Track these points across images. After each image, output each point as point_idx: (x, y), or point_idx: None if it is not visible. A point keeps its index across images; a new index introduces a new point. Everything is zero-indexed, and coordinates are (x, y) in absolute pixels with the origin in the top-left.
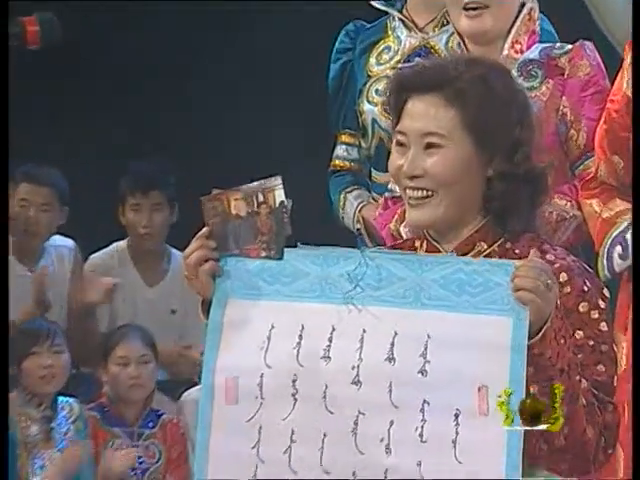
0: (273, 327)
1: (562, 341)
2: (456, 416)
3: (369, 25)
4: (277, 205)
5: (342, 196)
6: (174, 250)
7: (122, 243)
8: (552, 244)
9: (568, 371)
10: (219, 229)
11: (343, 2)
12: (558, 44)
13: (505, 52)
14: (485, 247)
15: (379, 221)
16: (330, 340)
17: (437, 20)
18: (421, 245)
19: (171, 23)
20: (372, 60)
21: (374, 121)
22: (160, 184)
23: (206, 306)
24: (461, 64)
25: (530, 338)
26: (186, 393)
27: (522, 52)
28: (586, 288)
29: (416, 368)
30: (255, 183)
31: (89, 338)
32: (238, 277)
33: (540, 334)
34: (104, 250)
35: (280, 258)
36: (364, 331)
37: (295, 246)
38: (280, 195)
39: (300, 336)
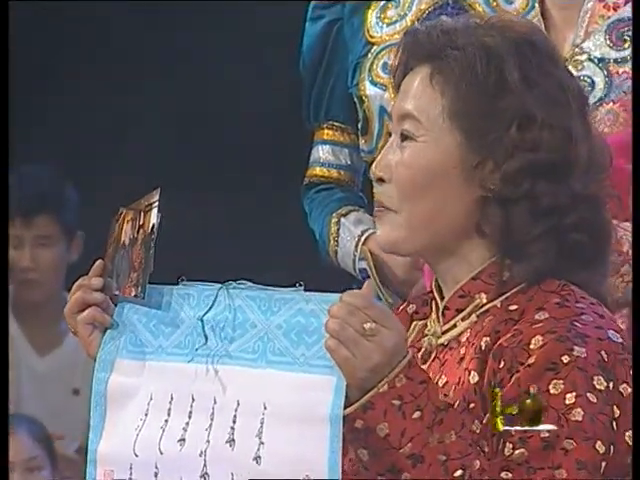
0: (151, 399)
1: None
2: None
3: None
4: (150, 230)
5: (333, 222)
6: None
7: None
8: (583, 297)
9: (446, 463)
10: (110, 262)
11: None
12: None
13: (589, 5)
14: (484, 301)
15: None
16: (190, 415)
17: None
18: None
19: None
20: (372, 19)
21: (382, 110)
22: (51, 204)
23: None
24: (480, 27)
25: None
26: None
27: (615, 8)
28: (567, 359)
29: (252, 453)
30: (142, 199)
31: None
32: (131, 329)
33: (361, 401)
34: None
35: (143, 298)
36: (215, 402)
37: (177, 283)
38: (154, 216)
39: (169, 410)
